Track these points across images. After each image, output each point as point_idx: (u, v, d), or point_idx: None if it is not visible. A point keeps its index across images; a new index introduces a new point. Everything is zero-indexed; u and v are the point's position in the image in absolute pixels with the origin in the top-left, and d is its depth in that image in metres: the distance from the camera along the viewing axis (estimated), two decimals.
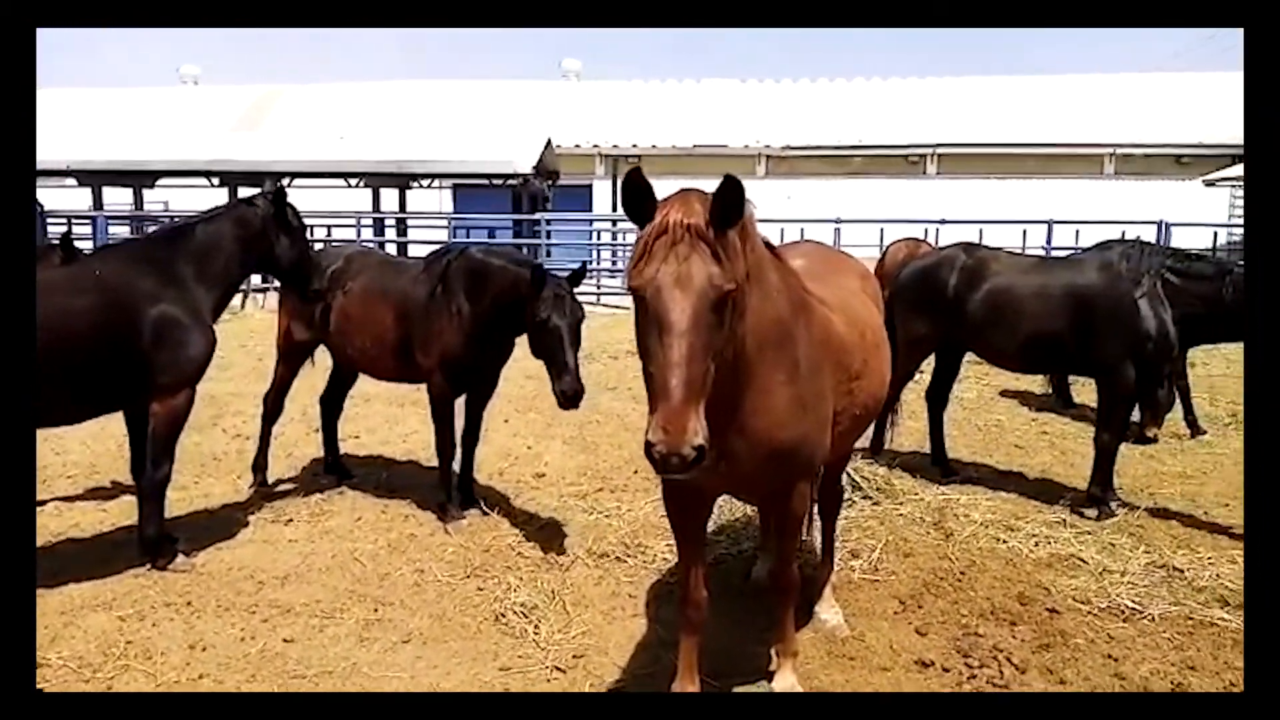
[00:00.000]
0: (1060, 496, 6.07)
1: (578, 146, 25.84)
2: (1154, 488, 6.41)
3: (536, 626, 4.18)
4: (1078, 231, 16.95)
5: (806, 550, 4.68)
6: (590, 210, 25.65)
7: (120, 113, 28.89)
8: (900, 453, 6.95)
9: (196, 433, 6.99)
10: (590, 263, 19.14)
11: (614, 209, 21.23)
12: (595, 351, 11.23)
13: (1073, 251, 9.96)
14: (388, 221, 20.75)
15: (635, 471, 6.48)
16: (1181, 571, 4.82)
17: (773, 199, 21.08)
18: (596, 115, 27.89)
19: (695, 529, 3.44)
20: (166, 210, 21.89)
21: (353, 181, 20.42)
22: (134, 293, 4.49)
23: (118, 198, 22.49)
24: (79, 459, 6.71)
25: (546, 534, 5.36)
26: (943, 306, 6.36)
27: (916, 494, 6.05)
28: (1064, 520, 5.66)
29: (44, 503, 5.66)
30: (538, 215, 18.66)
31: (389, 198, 21.99)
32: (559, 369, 4.80)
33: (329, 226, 19.63)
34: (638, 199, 2.62)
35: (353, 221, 19.57)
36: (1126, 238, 6.47)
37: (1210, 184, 22.61)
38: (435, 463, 5.72)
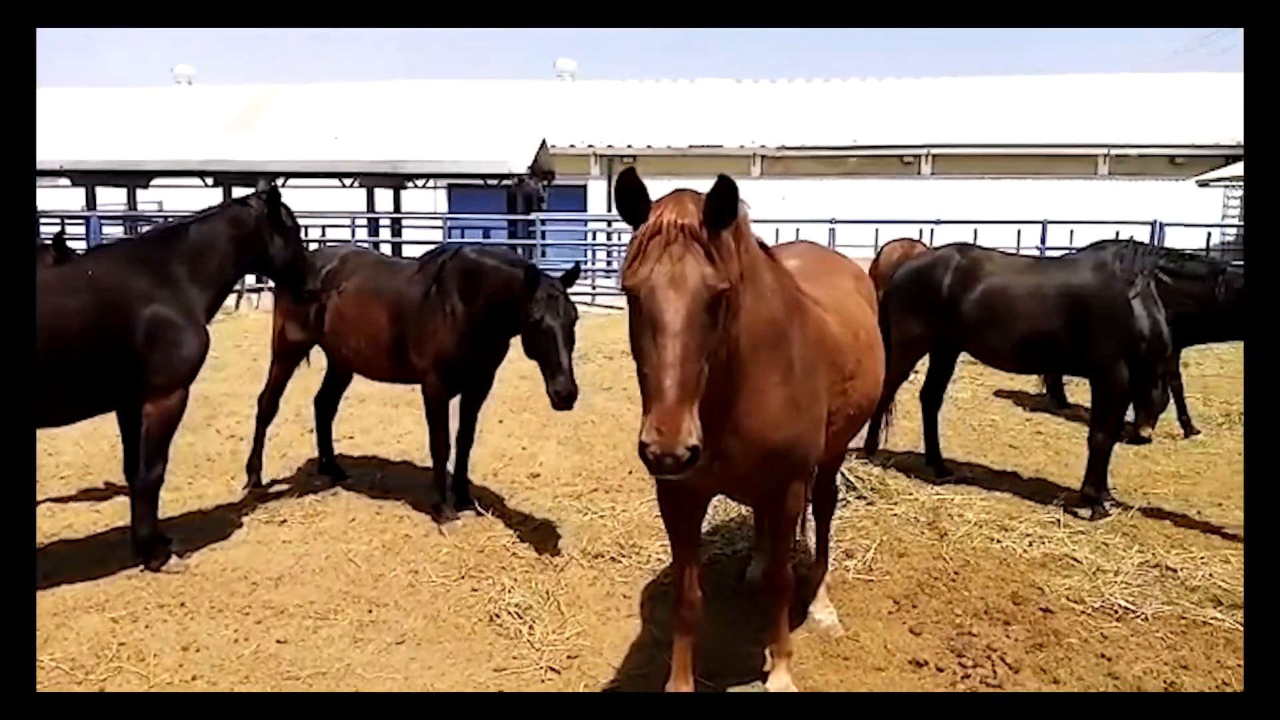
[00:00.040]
0: (1054, 496, 6.08)
1: (573, 146, 25.83)
2: (1148, 487, 6.42)
3: (531, 627, 4.18)
4: (1072, 232, 16.99)
5: (801, 550, 4.68)
6: (585, 210, 25.67)
7: (114, 112, 28.83)
8: (895, 453, 6.95)
9: (190, 433, 6.97)
10: (585, 263, 19.15)
11: (609, 209, 21.26)
12: (590, 352, 11.22)
13: (1067, 251, 9.99)
14: (382, 222, 20.74)
15: (630, 472, 6.47)
16: (1175, 571, 4.83)
17: (768, 199, 21.08)
18: (591, 115, 27.89)
19: (690, 529, 3.44)
20: (161, 210, 21.82)
21: (347, 181, 20.41)
22: (127, 293, 4.47)
23: (111, 198, 22.41)
24: (72, 460, 6.69)
25: (541, 535, 5.35)
26: (937, 307, 6.37)
27: (911, 494, 6.05)
28: (1058, 520, 5.67)
29: (37, 503, 5.64)
30: (533, 215, 18.66)
31: (384, 198, 21.96)
32: (553, 370, 4.79)
33: (324, 227, 19.59)
34: (632, 199, 2.62)
35: (347, 222, 19.54)
36: (1120, 238, 6.49)
37: (1204, 184, 22.71)
38: (430, 463, 5.72)
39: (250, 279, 14.55)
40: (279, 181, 12.91)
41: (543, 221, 18.63)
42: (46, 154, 17.04)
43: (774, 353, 3.00)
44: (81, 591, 4.46)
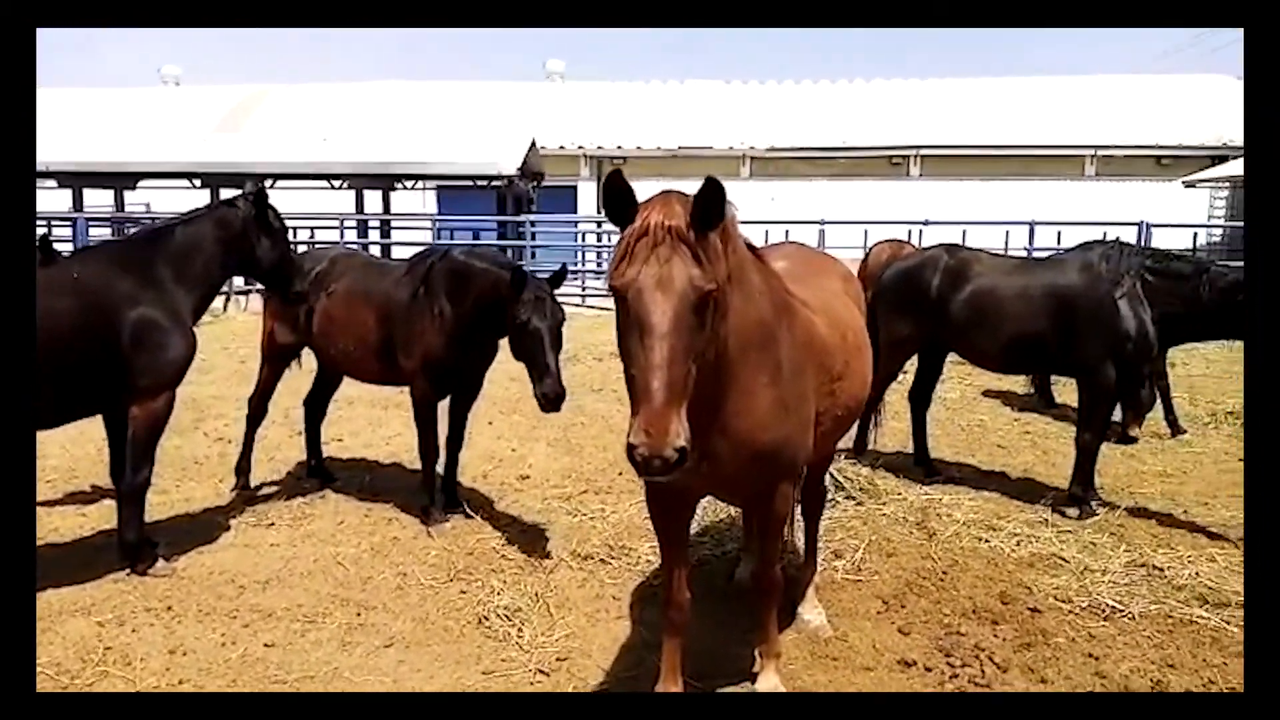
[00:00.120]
0: (1042, 496, 6.11)
1: (562, 148, 25.79)
2: (1135, 487, 6.46)
3: (520, 629, 4.17)
4: (1059, 232, 17.06)
5: (789, 551, 4.69)
6: (575, 211, 25.62)
7: (101, 113, 28.61)
8: (883, 453, 6.97)
9: (177, 436, 6.94)
10: (575, 264, 19.14)
11: (599, 210, 21.22)
12: (580, 353, 11.22)
13: (1054, 252, 10.03)
14: (371, 223, 20.65)
15: (619, 473, 6.47)
16: (1161, 570, 4.86)
17: (757, 200, 21.13)
18: (581, 116, 27.84)
19: (678, 531, 3.45)
20: (148, 212, 21.69)
21: (336, 183, 20.31)
22: (113, 295, 4.45)
23: (98, 199, 22.28)
24: (58, 463, 6.64)
25: (530, 537, 5.35)
26: (925, 307, 6.40)
27: (899, 494, 6.07)
28: (1046, 519, 5.70)
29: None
30: (522, 217, 18.63)
31: (373, 199, 21.87)
32: (540, 371, 4.78)
33: (312, 228, 19.52)
34: (618, 201, 2.62)
35: (336, 223, 19.47)
36: (1107, 239, 6.53)
37: (1190, 185, 22.85)
38: (418, 466, 5.70)
39: (238, 281, 14.47)
40: (267, 183, 12.85)
41: (532, 223, 18.59)
42: None
43: (762, 354, 3.00)
44: (68, 595, 4.43)
